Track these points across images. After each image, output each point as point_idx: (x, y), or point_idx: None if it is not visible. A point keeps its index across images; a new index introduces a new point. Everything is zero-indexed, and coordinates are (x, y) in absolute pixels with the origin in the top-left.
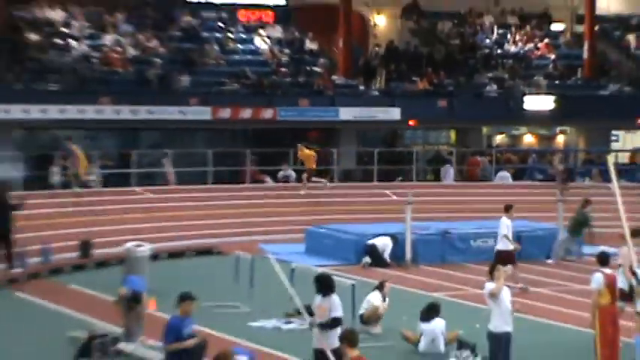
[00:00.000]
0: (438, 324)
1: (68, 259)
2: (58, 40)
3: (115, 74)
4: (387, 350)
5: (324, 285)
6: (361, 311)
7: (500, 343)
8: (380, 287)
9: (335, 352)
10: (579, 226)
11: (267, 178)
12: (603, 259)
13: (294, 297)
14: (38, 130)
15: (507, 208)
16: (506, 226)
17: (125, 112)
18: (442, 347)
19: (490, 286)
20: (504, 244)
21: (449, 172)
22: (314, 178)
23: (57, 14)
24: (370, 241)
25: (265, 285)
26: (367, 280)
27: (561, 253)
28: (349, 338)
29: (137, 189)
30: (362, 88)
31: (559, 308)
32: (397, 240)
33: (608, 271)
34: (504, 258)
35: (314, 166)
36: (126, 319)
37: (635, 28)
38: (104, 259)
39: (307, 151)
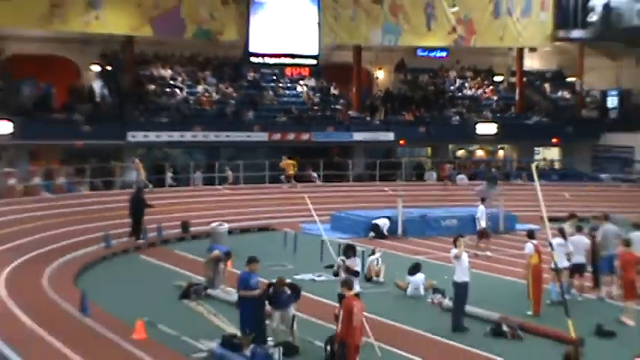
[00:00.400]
0: (419, 277)
1: (174, 234)
2: (167, 89)
3: (204, 111)
4: (385, 294)
5: (350, 250)
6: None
7: (461, 289)
8: (372, 252)
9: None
10: None
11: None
12: (530, 234)
13: (332, 254)
14: (154, 148)
15: (483, 200)
16: (481, 212)
17: (211, 136)
18: (422, 292)
19: (454, 251)
20: (480, 224)
21: (431, 175)
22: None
23: (167, 72)
24: (374, 221)
25: (304, 251)
26: (371, 247)
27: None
28: (347, 283)
29: (219, 187)
30: (368, 119)
31: (502, 266)
32: (392, 220)
33: (535, 241)
34: (481, 233)
35: (291, 172)
36: (212, 273)
37: (548, 79)
38: (197, 233)
39: (288, 161)
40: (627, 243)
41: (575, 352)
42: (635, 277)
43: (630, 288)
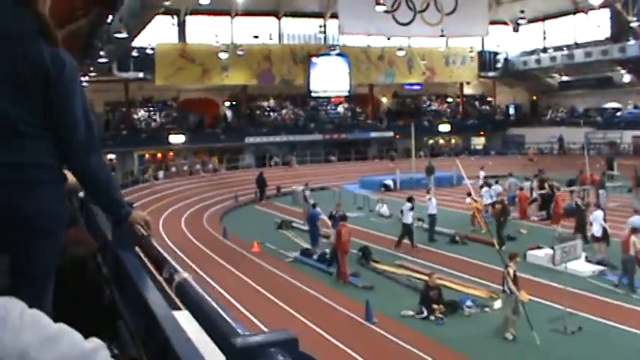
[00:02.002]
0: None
1: (272, 193)
2: (266, 113)
3: (287, 124)
4: (389, 223)
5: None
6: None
7: (432, 218)
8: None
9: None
10: None
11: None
12: (469, 193)
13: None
14: (260, 146)
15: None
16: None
17: (290, 138)
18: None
19: (428, 196)
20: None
21: (422, 152)
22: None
23: (265, 103)
24: (384, 181)
25: (345, 200)
26: (384, 197)
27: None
28: (343, 217)
29: (296, 166)
30: (378, 124)
31: (456, 204)
32: (394, 181)
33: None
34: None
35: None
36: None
37: (477, 99)
38: (285, 192)
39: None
40: (521, 188)
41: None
42: (527, 207)
43: (523, 212)
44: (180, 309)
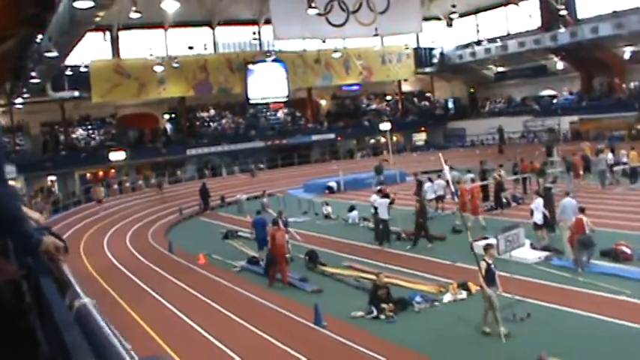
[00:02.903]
0: (354, 213)
1: (216, 204)
2: (205, 123)
3: (226, 133)
4: (336, 224)
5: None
6: None
7: (382, 222)
8: (326, 203)
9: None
10: None
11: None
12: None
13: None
14: (202, 157)
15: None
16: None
17: (232, 147)
18: (357, 221)
19: (374, 197)
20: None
21: (358, 155)
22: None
23: (205, 114)
24: (328, 184)
25: (290, 204)
26: (328, 199)
27: None
28: (275, 223)
29: (239, 175)
30: (319, 127)
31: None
32: (338, 182)
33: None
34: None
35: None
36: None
37: (416, 95)
38: (230, 202)
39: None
40: (461, 182)
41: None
42: (467, 201)
43: (464, 205)
44: None
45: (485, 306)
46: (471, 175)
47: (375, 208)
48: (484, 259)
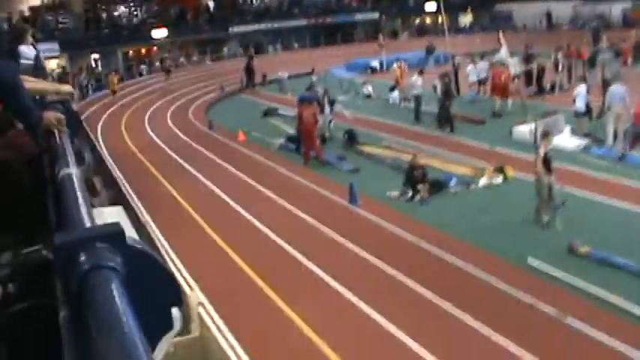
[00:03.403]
0: (395, 93)
1: (258, 82)
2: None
3: (270, 10)
4: (377, 104)
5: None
6: None
7: (417, 99)
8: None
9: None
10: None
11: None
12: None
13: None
14: (245, 35)
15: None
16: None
17: (275, 25)
18: (398, 102)
19: (414, 77)
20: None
21: (404, 35)
22: None
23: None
24: (371, 63)
25: (331, 83)
26: (370, 79)
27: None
28: (305, 100)
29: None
30: (363, 6)
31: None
32: (381, 62)
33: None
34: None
35: None
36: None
37: None
38: (271, 80)
39: None
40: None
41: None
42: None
43: (495, 88)
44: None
45: (541, 193)
46: (515, 59)
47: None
48: (541, 146)
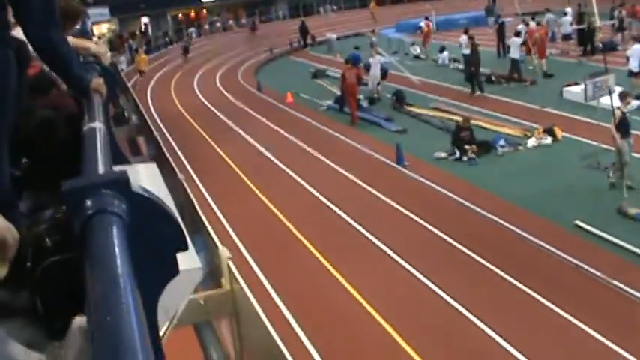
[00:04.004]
0: (445, 53)
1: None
2: None
3: None
4: (426, 64)
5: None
6: None
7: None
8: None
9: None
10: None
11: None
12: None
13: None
14: None
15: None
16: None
17: None
18: (447, 62)
19: (463, 37)
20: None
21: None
22: None
23: None
24: (420, 23)
25: (381, 44)
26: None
27: None
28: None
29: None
30: None
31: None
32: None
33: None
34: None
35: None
36: None
37: None
38: (320, 41)
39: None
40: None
41: (466, 121)
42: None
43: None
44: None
45: (617, 158)
46: (567, 18)
47: (461, 45)
48: (618, 108)
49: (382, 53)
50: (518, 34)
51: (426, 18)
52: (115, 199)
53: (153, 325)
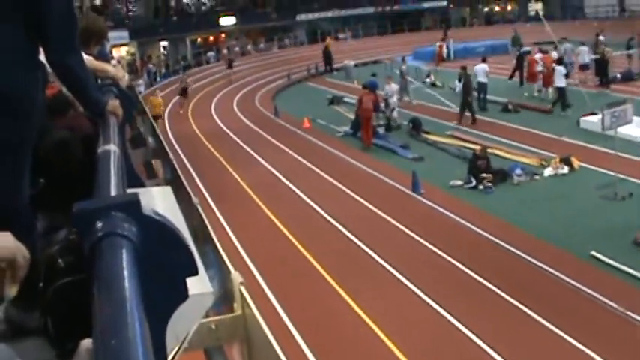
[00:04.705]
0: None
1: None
2: None
3: None
4: (443, 92)
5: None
6: None
7: (481, 85)
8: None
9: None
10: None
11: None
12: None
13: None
14: (311, 23)
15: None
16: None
17: (341, 12)
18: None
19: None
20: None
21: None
22: None
23: None
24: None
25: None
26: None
27: None
28: (365, 86)
29: (349, 40)
30: None
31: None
32: (449, 51)
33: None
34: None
35: None
36: None
37: None
38: (337, 67)
39: None
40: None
41: (484, 151)
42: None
43: (532, 76)
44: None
45: None
46: (585, 47)
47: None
48: None
49: (411, 80)
50: (560, 61)
51: (442, 40)
52: (126, 222)
53: (161, 349)
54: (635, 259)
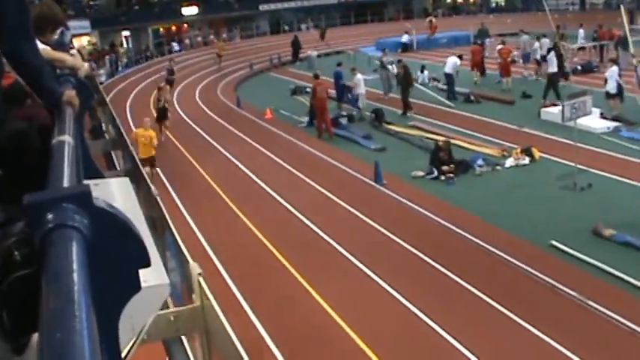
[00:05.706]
0: (425, 73)
1: (287, 59)
2: None
3: None
4: None
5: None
6: None
7: (448, 77)
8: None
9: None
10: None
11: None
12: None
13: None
14: (274, 13)
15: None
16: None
17: (304, 2)
18: (427, 81)
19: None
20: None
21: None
22: None
23: None
24: (402, 40)
25: (360, 60)
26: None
27: None
28: (316, 76)
29: (312, 31)
30: None
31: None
32: (412, 41)
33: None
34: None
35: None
36: None
37: None
38: (300, 58)
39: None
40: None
41: (446, 143)
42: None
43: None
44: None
45: None
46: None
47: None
48: None
49: (391, 69)
50: (550, 50)
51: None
52: (76, 214)
53: (113, 341)
54: (594, 249)
